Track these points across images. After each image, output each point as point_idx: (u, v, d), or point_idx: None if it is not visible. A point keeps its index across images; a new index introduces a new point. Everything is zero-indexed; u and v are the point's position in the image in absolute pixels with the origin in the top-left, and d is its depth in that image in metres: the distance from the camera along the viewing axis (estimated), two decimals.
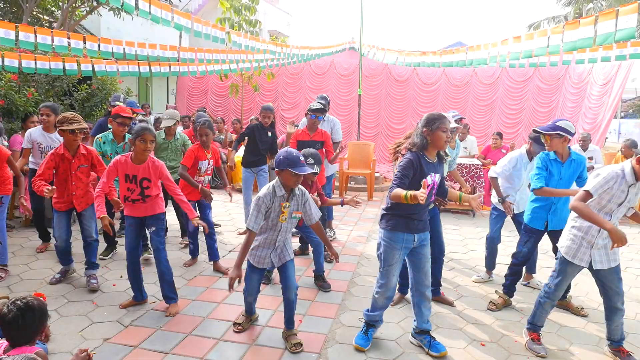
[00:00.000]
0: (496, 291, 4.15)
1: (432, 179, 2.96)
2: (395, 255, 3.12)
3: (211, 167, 4.80)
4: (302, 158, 3.07)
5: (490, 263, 4.59)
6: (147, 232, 3.81)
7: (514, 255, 3.99)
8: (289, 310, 3.27)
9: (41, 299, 2.41)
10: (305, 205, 3.24)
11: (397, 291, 3.82)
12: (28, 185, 5.23)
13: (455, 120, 4.11)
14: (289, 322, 3.29)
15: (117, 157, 3.64)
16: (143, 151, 3.57)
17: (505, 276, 4.04)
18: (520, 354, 3.24)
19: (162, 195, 3.83)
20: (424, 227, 3.17)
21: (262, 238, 3.21)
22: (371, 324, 3.32)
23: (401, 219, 3.07)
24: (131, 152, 3.65)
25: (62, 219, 4.09)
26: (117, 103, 5.59)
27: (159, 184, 3.76)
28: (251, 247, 3.24)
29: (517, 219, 4.41)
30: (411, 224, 3.08)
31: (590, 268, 3.11)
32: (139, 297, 3.79)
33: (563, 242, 3.19)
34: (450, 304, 3.99)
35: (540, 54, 6.10)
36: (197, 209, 4.69)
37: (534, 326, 3.32)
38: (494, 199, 4.46)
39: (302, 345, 3.18)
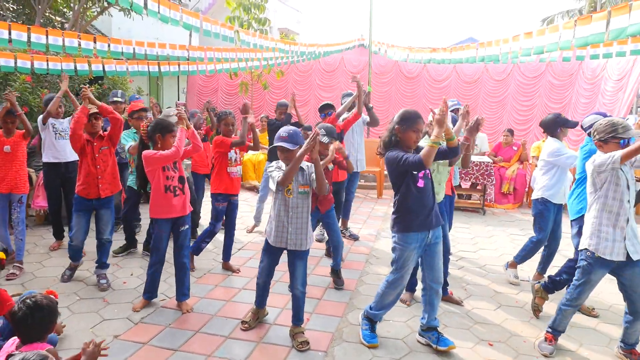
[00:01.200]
0: (538, 291, 3.85)
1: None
2: (410, 257, 3.11)
3: (240, 158, 4.70)
4: (282, 134, 3.15)
5: (524, 261, 4.52)
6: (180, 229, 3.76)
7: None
8: (296, 306, 3.30)
9: (52, 297, 2.46)
10: (312, 177, 3.21)
11: (405, 290, 3.81)
12: (44, 180, 5.35)
13: (452, 111, 4.08)
14: (296, 317, 3.31)
15: (147, 152, 3.61)
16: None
17: (564, 274, 3.79)
18: (529, 354, 3.21)
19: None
20: (437, 221, 3.12)
21: (275, 210, 3.22)
22: (376, 321, 3.33)
23: (412, 218, 3.05)
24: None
25: (82, 219, 4.15)
26: (115, 99, 5.83)
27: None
28: (267, 223, 3.31)
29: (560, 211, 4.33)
30: (424, 221, 3.06)
31: (615, 270, 3.01)
32: (154, 296, 3.84)
33: (592, 242, 2.99)
34: (458, 303, 3.97)
35: (551, 50, 6.00)
36: (227, 208, 4.61)
37: (555, 331, 3.26)
38: (545, 192, 4.25)
39: (308, 343, 3.20)
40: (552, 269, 4.65)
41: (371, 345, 3.22)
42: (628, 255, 2.93)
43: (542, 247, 4.45)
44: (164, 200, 3.61)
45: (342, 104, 5.82)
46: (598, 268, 3.01)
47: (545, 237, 4.35)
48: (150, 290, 3.79)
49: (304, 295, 3.32)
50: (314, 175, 3.19)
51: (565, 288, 3.69)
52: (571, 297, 3.14)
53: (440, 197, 3.75)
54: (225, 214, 4.66)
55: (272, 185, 3.16)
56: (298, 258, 3.25)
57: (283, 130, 3.20)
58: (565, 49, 6.06)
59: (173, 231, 3.76)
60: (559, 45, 5.68)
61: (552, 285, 3.82)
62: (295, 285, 3.28)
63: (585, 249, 3.05)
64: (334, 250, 4.36)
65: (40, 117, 5.02)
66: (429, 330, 3.25)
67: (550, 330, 3.27)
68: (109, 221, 4.22)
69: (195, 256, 4.69)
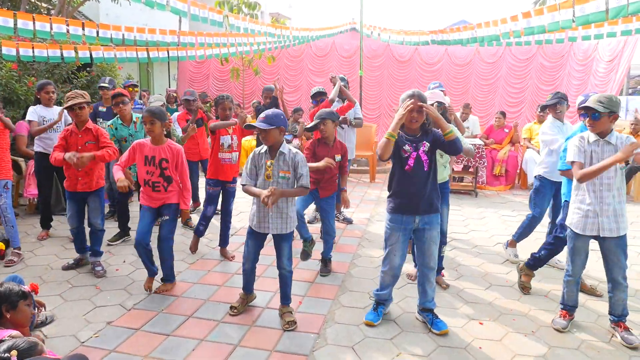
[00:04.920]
0: (522, 269, 3.95)
1: (412, 150, 3.03)
2: (394, 236, 3.20)
3: (237, 144, 4.56)
4: (261, 115, 3.17)
5: (522, 238, 4.58)
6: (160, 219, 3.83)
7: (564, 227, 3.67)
8: (283, 285, 3.37)
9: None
10: (297, 169, 3.18)
11: (415, 267, 3.82)
12: (35, 169, 5.29)
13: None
14: (283, 297, 3.39)
15: (138, 140, 3.78)
16: (148, 132, 3.69)
17: (543, 250, 3.87)
18: (518, 331, 3.26)
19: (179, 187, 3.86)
20: (428, 209, 3.11)
21: (256, 198, 3.24)
22: (380, 302, 3.40)
23: (400, 201, 3.13)
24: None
25: (75, 205, 4.18)
26: (102, 85, 5.90)
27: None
28: (251, 210, 3.35)
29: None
30: (407, 205, 3.11)
31: (598, 238, 3.14)
32: (155, 270, 3.89)
33: (569, 218, 3.24)
34: (442, 286, 3.96)
35: (553, 29, 5.97)
36: (222, 195, 4.62)
37: (566, 307, 3.36)
38: (542, 169, 4.32)
39: (295, 323, 3.26)
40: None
41: (367, 322, 3.31)
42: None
43: (546, 224, 4.49)
44: (144, 188, 3.77)
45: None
46: (578, 238, 3.20)
47: (540, 214, 4.41)
48: (150, 266, 3.89)
49: (291, 274, 3.38)
50: (298, 160, 3.20)
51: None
52: (567, 267, 3.31)
53: (444, 177, 3.82)
54: (222, 201, 4.65)
55: (244, 174, 3.28)
56: (282, 240, 3.30)
57: (264, 112, 3.23)
58: (567, 28, 6.04)
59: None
60: (560, 24, 5.66)
61: (533, 262, 3.91)
62: (281, 265, 3.33)
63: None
64: (324, 238, 4.36)
65: (32, 107, 5.03)
66: (424, 311, 3.32)
67: (562, 306, 3.38)
68: (97, 209, 4.20)
69: (199, 238, 4.70)
